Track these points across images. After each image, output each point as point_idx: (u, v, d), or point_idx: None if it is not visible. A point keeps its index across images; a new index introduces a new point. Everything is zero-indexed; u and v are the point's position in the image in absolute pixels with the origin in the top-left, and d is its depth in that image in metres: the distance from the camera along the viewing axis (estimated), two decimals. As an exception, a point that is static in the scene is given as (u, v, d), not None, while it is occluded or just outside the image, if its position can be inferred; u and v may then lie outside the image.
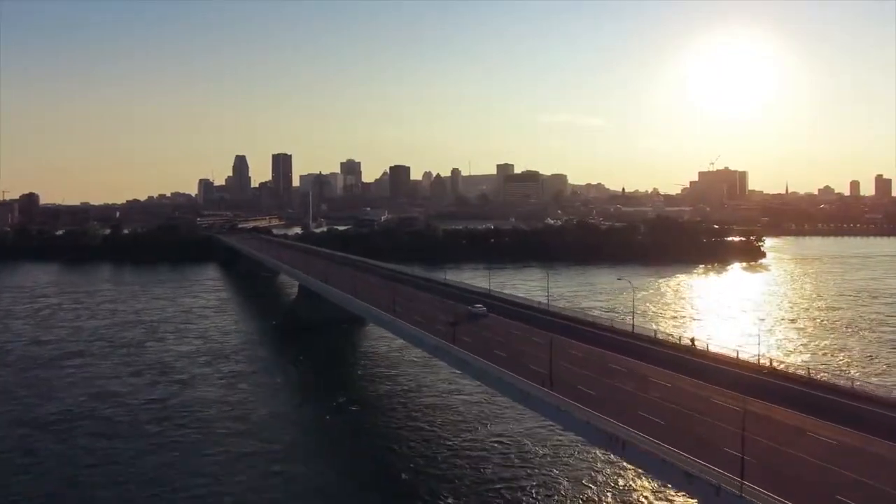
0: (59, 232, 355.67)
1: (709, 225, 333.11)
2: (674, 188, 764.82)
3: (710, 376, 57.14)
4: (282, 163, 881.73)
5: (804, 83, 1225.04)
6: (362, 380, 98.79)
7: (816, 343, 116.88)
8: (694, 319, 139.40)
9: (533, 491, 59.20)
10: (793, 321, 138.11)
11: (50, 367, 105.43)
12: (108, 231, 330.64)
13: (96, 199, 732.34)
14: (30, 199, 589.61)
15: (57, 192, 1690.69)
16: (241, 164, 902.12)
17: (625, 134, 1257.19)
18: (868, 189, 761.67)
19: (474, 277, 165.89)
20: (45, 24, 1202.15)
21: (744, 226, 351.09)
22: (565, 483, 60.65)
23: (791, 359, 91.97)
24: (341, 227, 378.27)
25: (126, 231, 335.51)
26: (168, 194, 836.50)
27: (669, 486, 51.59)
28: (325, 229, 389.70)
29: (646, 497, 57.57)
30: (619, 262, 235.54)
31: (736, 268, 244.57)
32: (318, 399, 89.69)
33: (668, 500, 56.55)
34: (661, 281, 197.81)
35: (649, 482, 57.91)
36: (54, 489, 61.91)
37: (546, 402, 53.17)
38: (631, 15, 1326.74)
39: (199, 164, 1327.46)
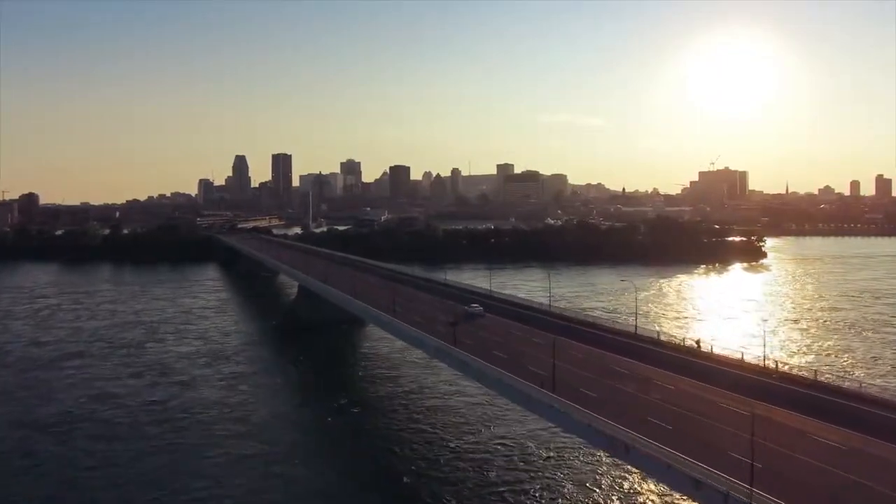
0: (59, 232, 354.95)
1: (709, 225, 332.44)
2: (674, 188, 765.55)
3: (715, 378, 56.43)
4: (282, 163, 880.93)
5: (804, 83, 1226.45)
6: (363, 381, 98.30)
7: (820, 344, 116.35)
8: (696, 320, 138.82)
9: (536, 494, 58.67)
10: (795, 322, 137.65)
11: (49, 369, 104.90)
12: (107, 231, 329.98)
13: (96, 199, 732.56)
14: (30, 199, 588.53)
15: (57, 192, 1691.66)
16: (241, 164, 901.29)
17: (625, 134, 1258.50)
18: (868, 189, 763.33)
19: (474, 278, 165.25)
20: (45, 24, 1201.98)
21: (744, 226, 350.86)
22: (569, 486, 60.12)
23: (795, 360, 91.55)
24: (341, 227, 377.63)
25: (126, 231, 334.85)
26: (168, 194, 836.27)
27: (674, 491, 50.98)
28: (324, 229, 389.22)
29: (652, 500, 57.04)
30: (620, 263, 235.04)
31: (737, 268, 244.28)
32: (318, 400, 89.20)
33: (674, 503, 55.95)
34: (662, 281, 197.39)
35: (655, 485, 57.32)
36: (54, 491, 61.45)
37: (547, 405, 52.59)
38: (631, 15, 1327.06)
39: (199, 164, 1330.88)
